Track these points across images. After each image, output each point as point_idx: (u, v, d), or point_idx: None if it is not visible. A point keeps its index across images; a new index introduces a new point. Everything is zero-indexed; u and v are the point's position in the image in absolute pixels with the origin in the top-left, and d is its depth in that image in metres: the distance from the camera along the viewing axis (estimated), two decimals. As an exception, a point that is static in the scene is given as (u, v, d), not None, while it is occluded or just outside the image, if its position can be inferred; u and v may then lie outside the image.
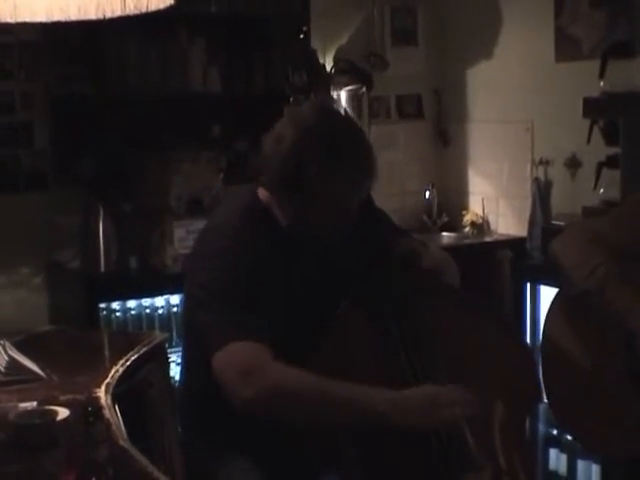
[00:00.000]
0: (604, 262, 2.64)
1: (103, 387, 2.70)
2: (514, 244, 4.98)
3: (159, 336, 3.43)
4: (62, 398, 2.58)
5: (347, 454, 2.31)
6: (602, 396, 2.69)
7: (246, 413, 2.21)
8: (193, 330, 2.44)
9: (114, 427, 2.36)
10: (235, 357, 2.21)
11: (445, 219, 5.52)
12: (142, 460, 2.18)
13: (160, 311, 4.69)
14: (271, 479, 2.45)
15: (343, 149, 2.27)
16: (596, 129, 4.21)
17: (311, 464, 2.44)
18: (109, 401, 2.59)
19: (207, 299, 2.34)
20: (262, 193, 2.46)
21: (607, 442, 2.73)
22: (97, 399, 2.58)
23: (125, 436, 2.33)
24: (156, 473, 2.11)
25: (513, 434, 2.43)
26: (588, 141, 4.25)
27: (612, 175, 4.16)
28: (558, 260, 2.77)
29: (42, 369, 2.84)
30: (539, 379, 2.62)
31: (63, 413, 2.35)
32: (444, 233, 5.44)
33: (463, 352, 2.42)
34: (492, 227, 5.38)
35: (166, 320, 4.68)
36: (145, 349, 3.13)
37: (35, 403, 2.51)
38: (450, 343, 2.41)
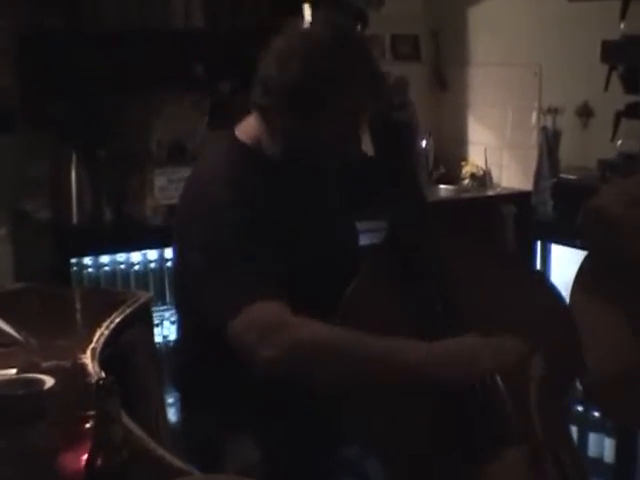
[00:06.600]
0: None
1: (89, 352, 2.57)
2: (518, 199, 4.91)
3: (143, 295, 3.30)
4: (44, 365, 2.43)
5: (375, 424, 2.20)
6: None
7: (268, 376, 2.11)
8: (189, 297, 2.35)
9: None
10: (253, 320, 2.11)
11: (442, 170, 5.40)
12: (150, 442, 2.02)
13: (136, 267, 4.56)
14: (280, 455, 2.35)
15: (359, 67, 2.23)
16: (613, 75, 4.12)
17: (328, 436, 2.35)
18: (97, 368, 2.46)
19: (207, 263, 2.22)
20: (243, 131, 2.38)
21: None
22: (84, 366, 2.46)
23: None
24: (168, 456, 1.94)
25: (553, 403, 2.31)
26: (606, 88, 4.13)
27: (631, 125, 4.10)
28: (597, 225, 2.70)
29: (17, 332, 2.69)
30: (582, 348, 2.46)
31: (49, 382, 2.20)
32: (441, 186, 5.32)
33: (502, 304, 2.33)
34: (494, 180, 5.27)
35: (142, 277, 4.55)
36: (130, 310, 3.00)
37: (14, 371, 2.37)
38: (487, 296, 2.33)
